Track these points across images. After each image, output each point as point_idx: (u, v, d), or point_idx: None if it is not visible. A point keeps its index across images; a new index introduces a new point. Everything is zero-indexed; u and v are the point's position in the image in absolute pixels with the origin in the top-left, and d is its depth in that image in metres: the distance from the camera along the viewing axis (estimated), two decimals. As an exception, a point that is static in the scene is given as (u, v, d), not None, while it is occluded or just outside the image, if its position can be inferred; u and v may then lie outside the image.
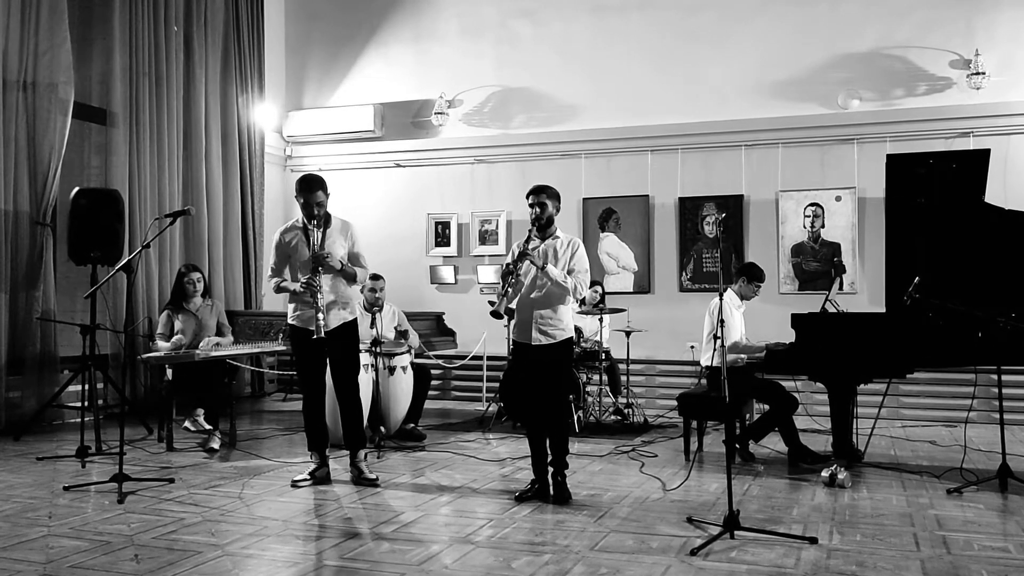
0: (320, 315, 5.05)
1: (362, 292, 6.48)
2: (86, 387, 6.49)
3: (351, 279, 5.28)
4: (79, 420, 6.21)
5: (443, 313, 8.81)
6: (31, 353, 7.05)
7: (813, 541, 3.91)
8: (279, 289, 5.29)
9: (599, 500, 4.76)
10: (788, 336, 5.64)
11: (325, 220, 5.22)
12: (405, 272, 9.37)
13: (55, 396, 6.93)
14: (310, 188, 5.14)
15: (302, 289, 5.10)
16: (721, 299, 4.52)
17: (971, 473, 5.22)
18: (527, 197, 4.89)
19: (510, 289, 4.72)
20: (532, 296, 4.81)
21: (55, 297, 7.21)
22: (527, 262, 4.76)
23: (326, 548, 3.87)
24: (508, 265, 4.75)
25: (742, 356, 5.83)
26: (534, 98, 9.38)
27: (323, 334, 5.04)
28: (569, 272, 4.79)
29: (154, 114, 8.21)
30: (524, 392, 5.03)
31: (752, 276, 6.09)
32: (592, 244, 8.93)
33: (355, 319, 5.33)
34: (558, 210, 4.93)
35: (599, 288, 7.82)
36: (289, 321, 5.29)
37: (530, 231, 4.85)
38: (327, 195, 5.21)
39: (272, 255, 5.36)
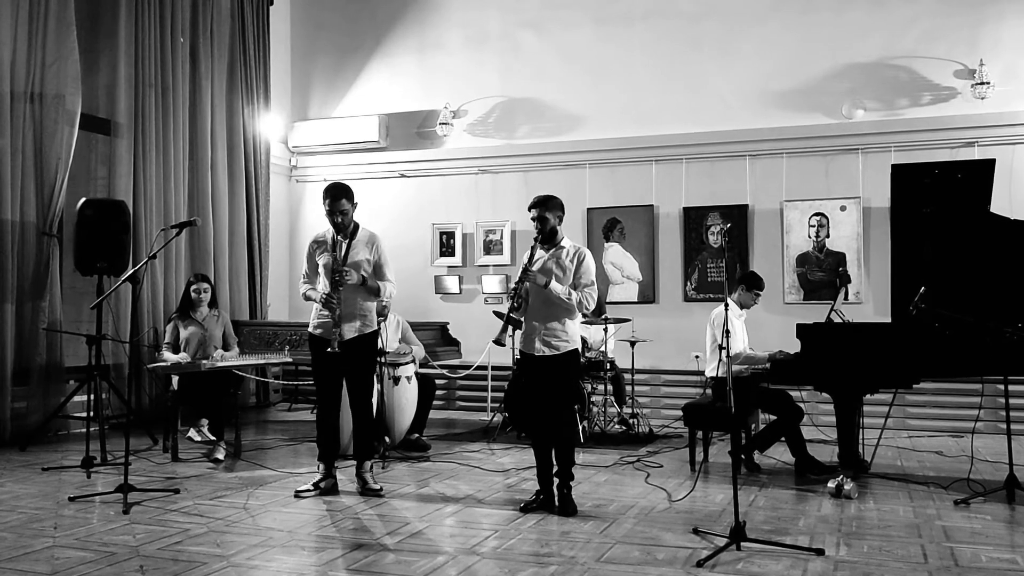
0: (335, 330, 5.06)
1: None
2: (91, 397, 6.50)
3: (374, 293, 5.27)
4: (84, 430, 6.21)
5: (448, 323, 8.81)
6: (37, 363, 7.05)
7: (820, 552, 3.90)
8: (306, 297, 5.32)
9: (604, 511, 4.75)
10: (793, 346, 5.63)
11: (352, 230, 5.23)
12: (410, 282, 9.37)
13: (61, 406, 6.93)
14: (334, 196, 5.15)
15: (321, 304, 5.12)
16: (727, 309, 4.50)
17: (978, 484, 5.20)
18: (529, 210, 4.89)
19: (514, 315, 4.69)
20: (537, 307, 4.79)
21: (61, 307, 7.22)
22: (531, 282, 4.72)
23: (331, 559, 3.86)
24: (513, 289, 4.73)
25: (744, 366, 5.82)
26: (538, 108, 9.40)
27: (337, 348, 5.05)
28: (575, 286, 4.78)
29: (160, 125, 8.25)
30: (529, 403, 5.02)
31: (751, 284, 6.10)
32: (597, 254, 8.92)
33: (374, 331, 5.32)
34: (561, 220, 4.90)
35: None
36: (309, 330, 5.30)
37: (535, 242, 4.85)
38: (353, 204, 5.21)
39: (305, 263, 5.41)
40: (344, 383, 5.32)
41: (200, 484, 5.44)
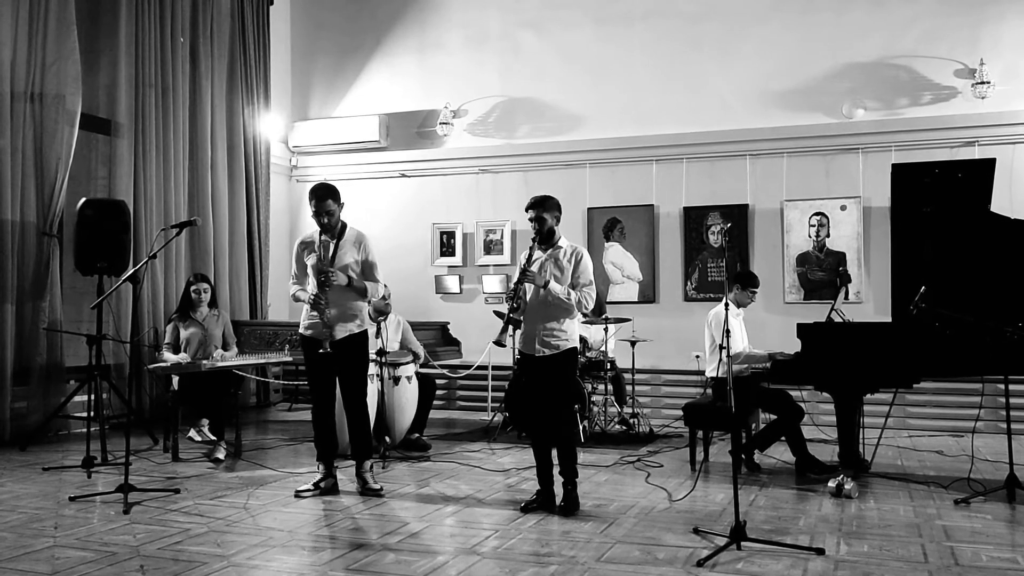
0: (326, 330, 5.07)
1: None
2: (92, 397, 6.50)
3: (361, 294, 5.27)
4: (85, 430, 6.21)
5: (448, 323, 8.81)
6: (37, 363, 7.05)
7: (820, 552, 3.90)
8: (295, 298, 5.33)
9: (605, 510, 4.75)
10: (793, 346, 5.62)
11: (339, 230, 5.24)
12: (410, 282, 9.39)
13: (61, 406, 6.93)
14: (319, 196, 5.15)
15: (309, 305, 5.13)
16: (727, 309, 4.50)
17: (978, 483, 5.20)
18: (526, 211, 4.89)
19: (513, 315, 4.70)
20: (536, 307, 4.79)
21: (61, 307, 7.23)
22: (530, 283, 4.74)
23: (331, 559, 3.86)
24: (512, 289, 4.74)
25: (745, 365, 5.82)
26: (538, 108, 9.40)
27: (328, 348, 5.05)
28: (573, 286, 4.78)
29: (160, 125, 8.25)
30: (529, 402, 5.02)
31: (747, 283, 6.11)
32: (597, 254, 8.93)
33: (364, 331, 5.32)
34: (558, 220, 4.90)
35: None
36: (300, 331, 5.31)
37: (532, 243, 4.86)
38: (339, 204, 5.21)
39: (293, 264, 5.41)
40: (338, 383, 5.32)
41: (200, 484, 5.44)
